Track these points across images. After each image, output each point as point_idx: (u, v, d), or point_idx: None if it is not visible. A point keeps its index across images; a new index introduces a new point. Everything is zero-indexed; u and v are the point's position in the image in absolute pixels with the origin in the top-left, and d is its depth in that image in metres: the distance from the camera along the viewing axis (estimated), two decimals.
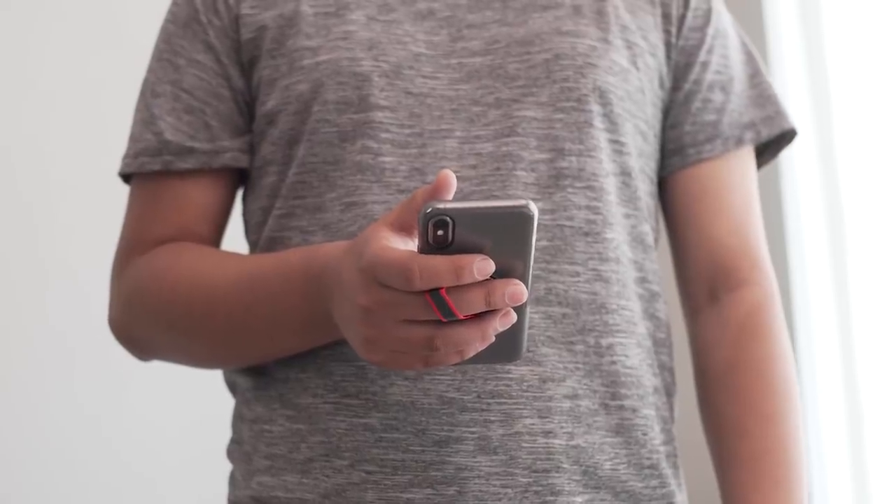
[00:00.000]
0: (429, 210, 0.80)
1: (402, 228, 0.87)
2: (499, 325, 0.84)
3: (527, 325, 0.88)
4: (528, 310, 0.87)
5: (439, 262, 0.81)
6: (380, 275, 0.84)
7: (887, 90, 2.20)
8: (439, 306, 0.83)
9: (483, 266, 0.81)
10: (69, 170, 2.15)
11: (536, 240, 1.07)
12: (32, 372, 2.07)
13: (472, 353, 0.87)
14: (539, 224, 1.07)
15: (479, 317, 0.84)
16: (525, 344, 0.90)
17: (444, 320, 0.84)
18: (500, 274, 0.83)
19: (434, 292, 0.83)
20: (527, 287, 0.84)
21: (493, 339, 0.86)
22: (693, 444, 1.32)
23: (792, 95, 2.28)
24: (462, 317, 0.84)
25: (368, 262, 0.85)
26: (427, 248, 0.82)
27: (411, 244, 0.87)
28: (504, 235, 0.82)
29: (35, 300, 2.09)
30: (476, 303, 0.82)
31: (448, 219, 0.80)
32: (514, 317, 0.85)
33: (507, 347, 0.89)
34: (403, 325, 0.86)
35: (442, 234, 0.81)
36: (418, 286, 0.82)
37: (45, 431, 2.07)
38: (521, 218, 0.81)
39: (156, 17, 1.50)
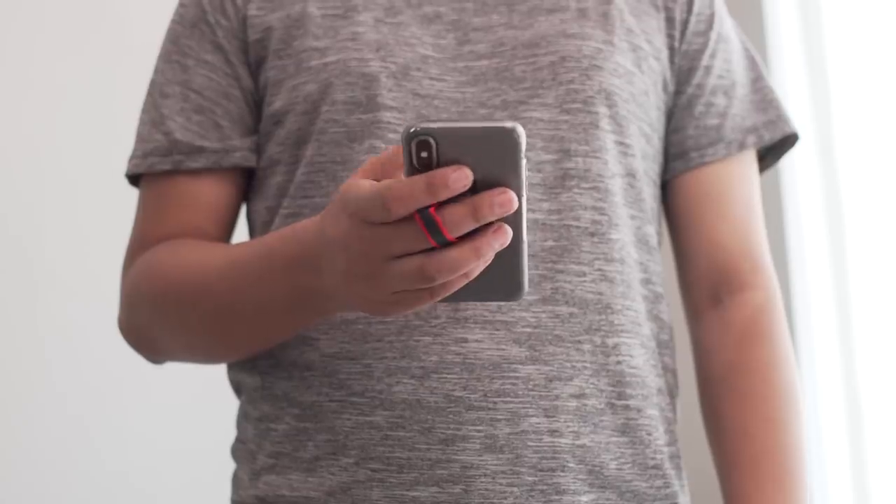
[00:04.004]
0: (412, 129, 0.77)
1: (375, 177, 0.84)
2: (494, 241, 0.79)
3: (525, 257, 0.82)
4: (526, 242, 0.82)
5: (413, 181, 0.77)
6: (361, 211, 0.81)
7: (887, 90, 2.20)
8: (429, 227, 0.79)
9: (458, 176, 0.77)
10: (67, 171, 2.15)
11: (543, 239, 1.07)
12: (23, 377, 2.06)
13: (475, 275, 0.82)
14: (545, 224, 1.08)
15: (470, 237, 0.80)
16: (526, 282, 0.83)
17: (437, 245, 0.80)
18: None
19: (423, 212, 0.79)
20: (522, 212, 0.80)
21: (491, 257, 0.81)
22: (695, 445, 1.32)
23: (792, 95, 2.29)
24: (453, 239, 0.79)
25: (347, 202, 0.82)
26: (412, 171, 0.79)
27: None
28: (492, 160, 0.78)
29: (25, 303, 2.08)
30: (464, 219, 0.78)
31: (431, 139, 0.77)
32: (508, 233, 0.80)
33: (506, 281, 0.83)
34: (397, 261, 0.82)
35: (426, 156, 0.78)
36: (396, 210, 0.78)
37: (38, 442, 2.06)
38: (507, 140, 0.77)
39: (156, 16, 1.50)
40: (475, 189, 0.79)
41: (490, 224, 0.79)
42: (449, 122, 0.78)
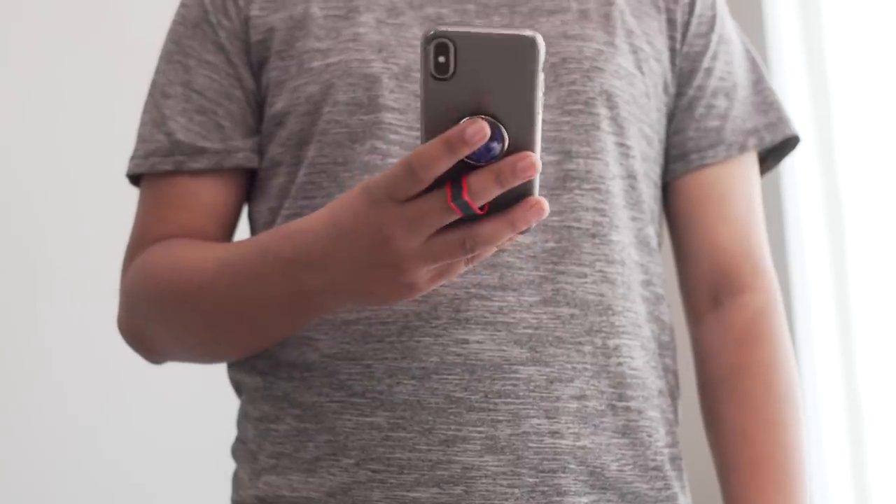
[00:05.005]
0: (431, 32, 0.78)
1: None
2: (531, 217, 0.83)
3: (538, 182, 0.84)
4: (540, 164, 0.83)
5: (433, 144, 0.79)
6: (389, 191, 0.84)
7: (887, 90, 2.21)
8: (461, 207, 0.82)
9: (475, 129, 0.78)
10: (67, 171, 2.15)
11: (544, 240, 1.07)
12: (24, 376, 2.06)
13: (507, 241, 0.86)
14: (546, 225, 1.08)
15: (506, 209, 0.83)
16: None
17: (463, 214, 0.83)
18: (507, 123, 0.80)
19: (454, 191, 0.81)
20: (536, 145, 0.81)
21: (526, 227, 0.84)
22: (696, 447, 1.32)
23: (792, 96, 2.29)
24: (479, 211, 0.83)
25: (370, 189, 0.86)
26: (429, 78, 0.79)
27: None
28: (509, 70, 0.78)
29: (25, 302, 2.08)
30: (490, 186, 0.80)
31: (449, 43, 0.77)
32: (545, 209, 0.83)
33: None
34: (438, 238, 0.86)
35: (444, 61, 0.78)
36: (424, 175, 0.81)
37: (38, 441, 2.06)
38: (526, 49, 0.77)
39: (157, 15, 1.50)
40: (491, 110, 0.80)
41: (523, 192, 0.82)
42: (469, 26, 0.77)
